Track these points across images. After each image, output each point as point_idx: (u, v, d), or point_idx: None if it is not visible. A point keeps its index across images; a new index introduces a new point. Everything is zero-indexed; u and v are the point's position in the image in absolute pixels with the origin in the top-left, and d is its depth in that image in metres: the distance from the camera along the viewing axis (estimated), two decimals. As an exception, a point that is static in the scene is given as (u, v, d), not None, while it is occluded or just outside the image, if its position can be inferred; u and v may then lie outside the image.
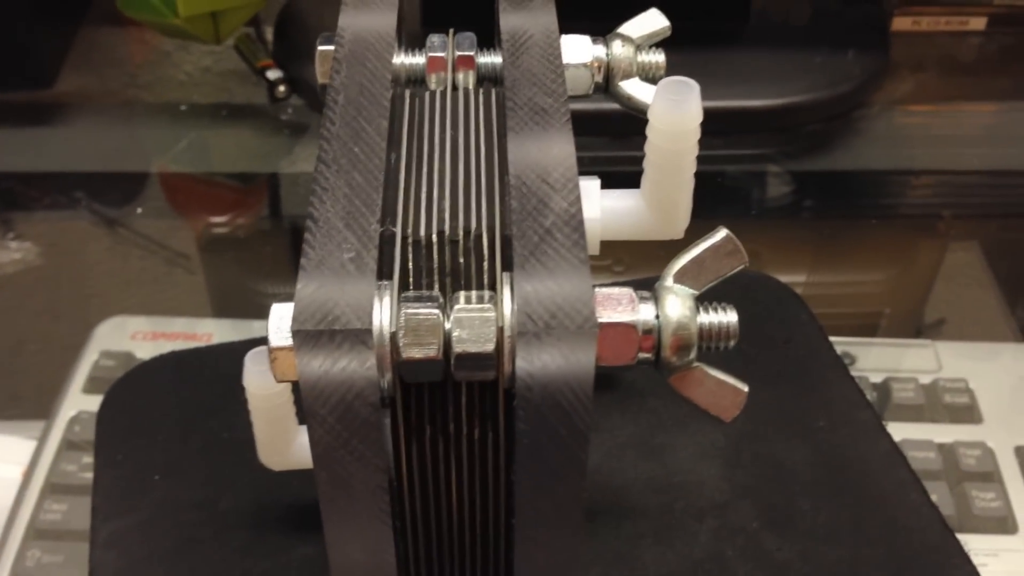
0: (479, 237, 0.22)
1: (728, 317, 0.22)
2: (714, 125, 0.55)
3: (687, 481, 0.34)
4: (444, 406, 0.22)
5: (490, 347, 0.20)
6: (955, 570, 0.32)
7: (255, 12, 0.59)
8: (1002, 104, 0.61)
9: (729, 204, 0.55)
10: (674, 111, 0.24)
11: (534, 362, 0.19)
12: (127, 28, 0.64)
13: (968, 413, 0.46)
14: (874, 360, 0.48)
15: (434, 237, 0.22)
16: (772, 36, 0.60)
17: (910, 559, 0.32)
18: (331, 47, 0.27)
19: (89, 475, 0.36)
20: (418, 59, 0.28)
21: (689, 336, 0.21)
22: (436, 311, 0.20)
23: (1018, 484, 0.43)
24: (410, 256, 0.22)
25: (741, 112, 0.56)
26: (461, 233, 0.22)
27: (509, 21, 0.27)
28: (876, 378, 0.47)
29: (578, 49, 0.28)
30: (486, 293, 0.21)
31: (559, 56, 0.26)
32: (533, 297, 0.19)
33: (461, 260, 0.22)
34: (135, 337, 0.46)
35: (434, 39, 0.28)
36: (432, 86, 0.27)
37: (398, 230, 0.22)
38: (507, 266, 0.21)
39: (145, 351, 0.44)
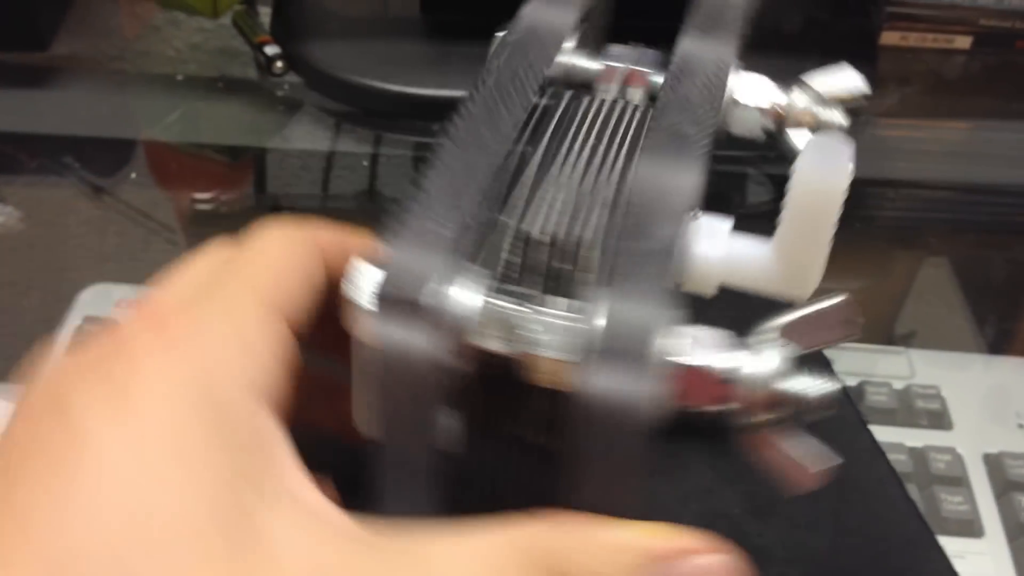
0: (577, 246, 0.22)
1: (822, 389, 0.21)
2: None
3: (672, 467, 0.35)
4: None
5: (566, 358, 0.20)
6: (929, 562, 0.32)
7: (253, -12, 0.59)
8: (982, 122, 0.62)
9: (709, 207, 0.55)
10: (823, 169, 0.22)
11: (596, 382, 0.19)
12: (121, -1, 0.63)
13: (939, 419, 0.46)
14: (849, 365, 0.48)
15: (536, 235, 0.22)
16: (763, 44, 0.60)
17: (887, 549, 0.33)
18: (504, 32, 0.26)
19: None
20: (593, 64, 0.27)
21: (772, 398, 0.21)
22: (527, 309, 0.20)
23: (985, 490, 0.44)
24: (507, 248, 0.22)
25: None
26: (562, 238, 0.22)
27: (685, 46, 0.26)
28: (851, 382, 0.47)
29: (757, 90, 0.27)
30: (576, 304, 0.21)
31: (721, 88, 0.25)
32: (615, 318, 0.19)
33: (557, 265, 0.22)
34: (120, 305, 0.46)
35: (615, 50, 0.27)
36: (598, 94, 0.27)
37: (509, 221, 0.22)
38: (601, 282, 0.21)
39: (129, 318, 0.44)
